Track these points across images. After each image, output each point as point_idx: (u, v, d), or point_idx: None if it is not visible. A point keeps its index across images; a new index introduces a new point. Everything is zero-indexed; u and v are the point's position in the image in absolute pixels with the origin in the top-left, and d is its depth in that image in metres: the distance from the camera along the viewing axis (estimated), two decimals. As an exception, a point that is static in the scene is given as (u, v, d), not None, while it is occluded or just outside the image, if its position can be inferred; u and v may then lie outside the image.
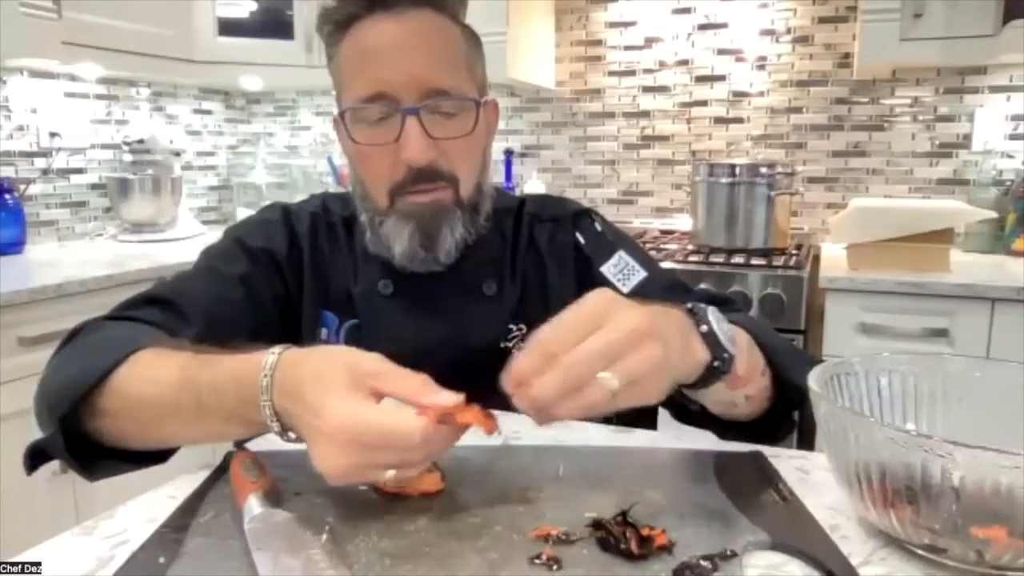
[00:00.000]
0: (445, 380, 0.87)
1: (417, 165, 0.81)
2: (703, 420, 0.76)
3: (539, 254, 0.96)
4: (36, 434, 0.69)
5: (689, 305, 0.64)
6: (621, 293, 0.91)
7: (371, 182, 0.86)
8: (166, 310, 0.81)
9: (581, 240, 0.96)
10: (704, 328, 0.62)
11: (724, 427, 0.76)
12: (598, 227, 0.98)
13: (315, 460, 0.54)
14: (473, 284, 0.92)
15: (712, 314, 0.63)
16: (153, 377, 0.66)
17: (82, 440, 0.68)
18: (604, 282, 0.93)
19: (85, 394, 0.65)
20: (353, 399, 0.54)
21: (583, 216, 0.99)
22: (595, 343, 0.52)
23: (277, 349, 0.60)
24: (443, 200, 0.85)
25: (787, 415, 0.77)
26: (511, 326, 0.92)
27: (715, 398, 0.69)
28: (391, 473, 0.54)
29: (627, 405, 0.54)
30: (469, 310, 0.91)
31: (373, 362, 0.57)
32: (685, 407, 0.75)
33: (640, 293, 0.91)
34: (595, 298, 0.56)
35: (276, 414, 0.58)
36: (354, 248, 0.94)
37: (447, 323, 0.90)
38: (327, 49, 0.88)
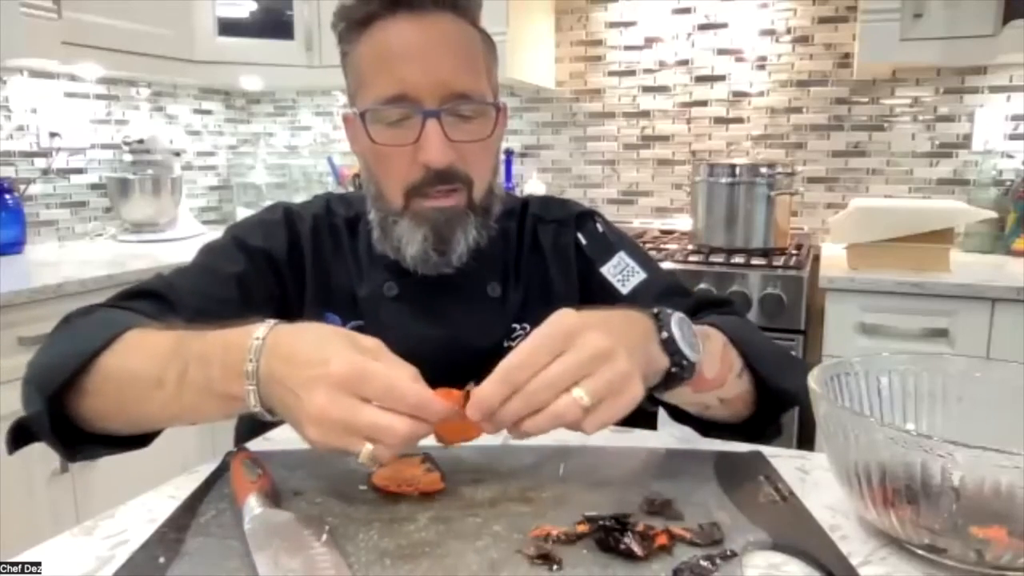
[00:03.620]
0: (449, 381, 0.88)
1: (436, 167, 0.82)
2: (691, 418, 0.77)
3: (543, 256, 0.96)
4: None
5: (655, 310, 0.66)
6: (620, 294, 0.92)
7: (387, 182, 0.86)
8: (157, 303, 0.82)
9: (583, 241, 0.97)
10: (664, 335, 0.63)
11: (709, 426, 0.77)
12: (599, 228, 0.98)
13: (303, 408, 0.54)
14: (477, 286, 0.92)
15: (676, 320, 0.65)
16: (141, 352, 0.67)
17: (66, 422, 0.68)
18: (604, 283, 0.94)
19: (74, 373, 0.66)
20: (361, 355, 0.56)
21: (586, 217, 0.99)
22: (558, 368, 0.55)
23: (268, 323, 0.61)
24: (458, 205, 0.85)
25: (772, 419, 0.77)
26: (515, 325, 0.92)
27: (684, 400, 0.70)
28: (368, 448, 0.53)
29: (603, 420, 0.56)
30: (473, 312, 0.91)
31: (373, 340, 0.60)
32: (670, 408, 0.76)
33: (638, 294, 0.92)
34: (558, 320, 0.58)
35: (258, 380, 0.58)
36: (357, 249, 0.94)
37: (452, 324, 0.90)
38: (342, 46, 0.87)
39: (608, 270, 0.94)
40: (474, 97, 0.83)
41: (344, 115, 0.91)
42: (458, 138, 0.82)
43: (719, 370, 0.69)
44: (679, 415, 0.79)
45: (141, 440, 0.72)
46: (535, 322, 0.92)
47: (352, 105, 0.89)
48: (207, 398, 0.62)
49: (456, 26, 0.84)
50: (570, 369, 0.55)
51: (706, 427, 0.77)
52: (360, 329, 0.90)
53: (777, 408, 0.76)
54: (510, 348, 0.91)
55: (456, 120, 0.82)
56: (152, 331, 0.69)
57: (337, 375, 0.54)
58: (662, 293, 0.92)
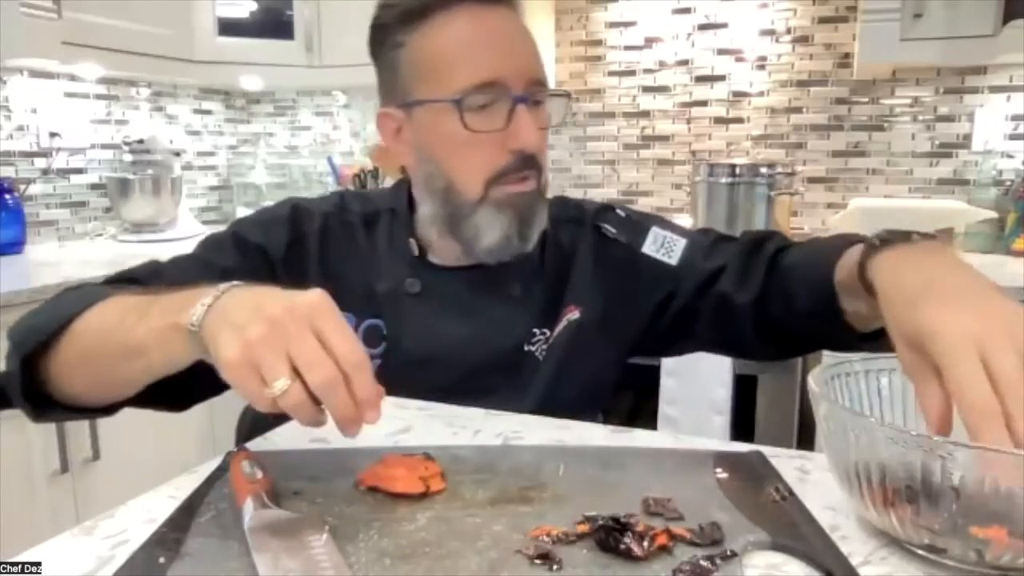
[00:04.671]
0: (467, 379, 0.88)
1: (531, 151, 0.83)
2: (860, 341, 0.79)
3: (564, 255, 0.96)
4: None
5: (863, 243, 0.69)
6: (670, 265, 0.93)
7: (465, 172, 0.85)
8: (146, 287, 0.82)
9: (612, 231, 0.96)
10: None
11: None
12: (622, 214, 0.99)
13: (257, 313, 0.54)
14: (500, 285, 0.91)
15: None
16: (113, 308, 0.68)
17: (39, 387, 0.71)
18: (650, 261, 0.94)
19: (52, 335, 0.68)
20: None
21: (605, 211, 0.99)
22: (1006, 364, 0.48)
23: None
24: (533, 190, 0.86)
25: None
26: (535, 329, 0.92)
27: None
28: (284, 383, 0.52)
29: None
30: (495, 311, 0.91)
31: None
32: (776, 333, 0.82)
33: (688, 259, 0.93)
34: (943, 338, 0.51)
35: (212, 307, 0.58)
36: (376, 245, 0.93)
37: (473, 323, 0.90)
38: (391, 37, 0.85)
39: (649, 248, 0.94)
40: (547, 84, 0.86)
41: (384, 112, 0.89)
42: (540, 124, 0.84)
43: None
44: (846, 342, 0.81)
45: (106, 409, 0.74)
46: (555, 325, 0.93)
47: (402, 100, 0.87)
48: (153, 332, 0.62)
49: (517, 18, 0.86)
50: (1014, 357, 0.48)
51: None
52: (377, 328, 0.90)
53: None
54: (528, 352, 0.91)
55: (536, 107, 0.84)
56: (130, 294, 0.71)
57: (307, 300, 0.55)
58: (711, 247, 0.93)
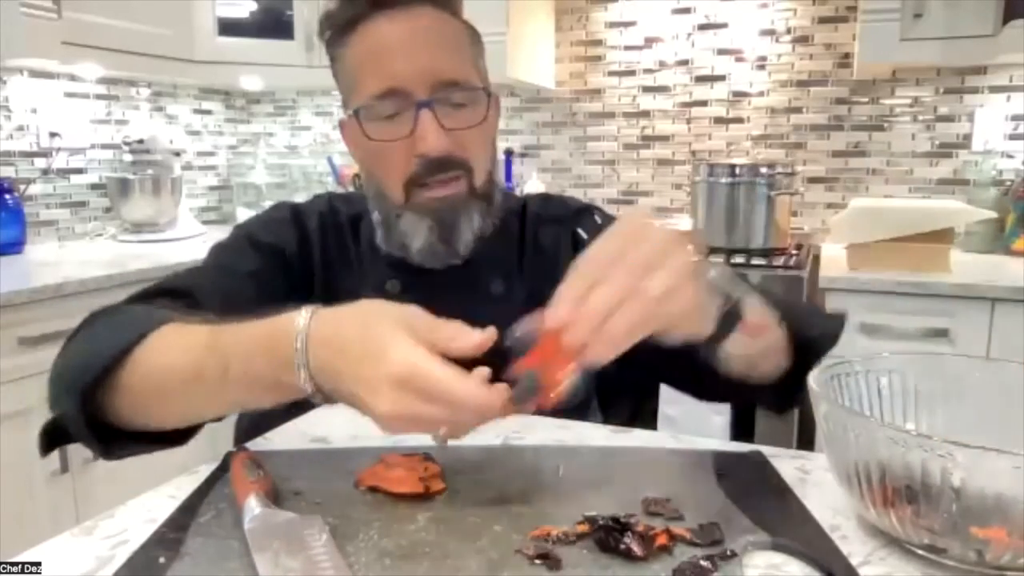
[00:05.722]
0: None
1: (432, 156, 0.82)
2: (727, 389, 0.76)
3: (545, 255, 0.96)
4: (35, 433, 0.69)
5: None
6: None
7: (386, 178, 0.86)
8: (180, 301, 0.80)
9: (584, 236, 0.96)
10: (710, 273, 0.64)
11: (746, 393, 0.77)
12: (598, 220, 0.99)
13: (372, 410, 0.55)
14: (481, 284, 0.92)
15: (714, 268, 0.65)
16: (177, 346, 0.65)
17: (98, 420, 0.67)
18: None
19: (108, 367, 0.65)
20: (416, 347, 0.55)
21: (584, 213, 0.99)
22: (634, 255, 0.56)
23: (307, 310, 0.60)
24: (459, 193, 0.85)
25: (803, 372, 0.77)
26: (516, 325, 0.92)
27: (739, 350, 0.68)
28: (443, 429, 0.56)
29: (669, 323, 0.56)
30: (476, 310, 0.90)
31: (415, 312, 0.60)
32: (706, 378, 0.75)
33: None
34: (625, 221, 0.60)
35: (311, 376, 0.57)
36: (360, 248, 0.94)
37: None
38: (330, 51, 0.89)
39: None
40: (463, 84, 0.84)
41: (340, 121, 0.92)
42: (452, 125, 0.82)
43: (762, 316, 0.69)
44: (715, 391, 0.79)
45: (178, 437, 0.71)
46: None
47: (346, 109, 0.89)
48: (256, 390, 0.62)
49: (438, 18, 0.85)
50: (645, 255, 0.56)
51: (745, 395, 0.77)
52: None
53: (806, 359, 0.75)
54: (510, 348, 0.91)
55: (450, 109, 0.83)
56: (186, 325, 0.68)
57: (396, 376, 0.54)
58: None
